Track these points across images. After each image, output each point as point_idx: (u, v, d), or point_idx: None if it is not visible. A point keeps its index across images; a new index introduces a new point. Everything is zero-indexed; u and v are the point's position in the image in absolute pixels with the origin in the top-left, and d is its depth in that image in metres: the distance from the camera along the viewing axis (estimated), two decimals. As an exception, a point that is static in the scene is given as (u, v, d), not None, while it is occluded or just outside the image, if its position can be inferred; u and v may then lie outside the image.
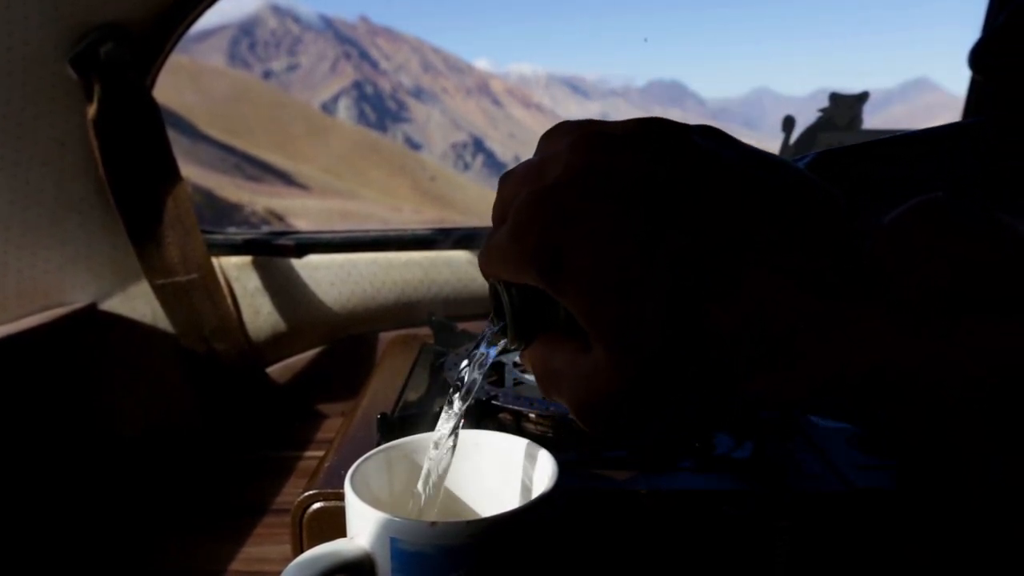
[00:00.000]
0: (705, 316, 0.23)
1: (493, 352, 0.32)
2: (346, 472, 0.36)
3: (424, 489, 0.37)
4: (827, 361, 0.22)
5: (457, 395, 0.34)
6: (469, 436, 0.42)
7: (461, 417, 0.35)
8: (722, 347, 0.23)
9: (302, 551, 0.36)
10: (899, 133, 0.32)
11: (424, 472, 0.37)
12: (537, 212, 0.25)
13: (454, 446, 0.35)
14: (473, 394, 0.34)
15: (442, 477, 0.36)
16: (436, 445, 0.36)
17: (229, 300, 0.80)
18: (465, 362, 0.33)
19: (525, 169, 0.27)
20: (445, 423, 0.35)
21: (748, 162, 0.24)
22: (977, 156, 0.31)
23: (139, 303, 0.80)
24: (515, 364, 0.60)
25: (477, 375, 0.33)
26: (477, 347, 0.32)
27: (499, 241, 0.27)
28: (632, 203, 0.23)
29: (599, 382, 0.25)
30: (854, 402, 0.22)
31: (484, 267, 0.28)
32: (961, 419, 0.21)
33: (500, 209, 0.27)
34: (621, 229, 0.23)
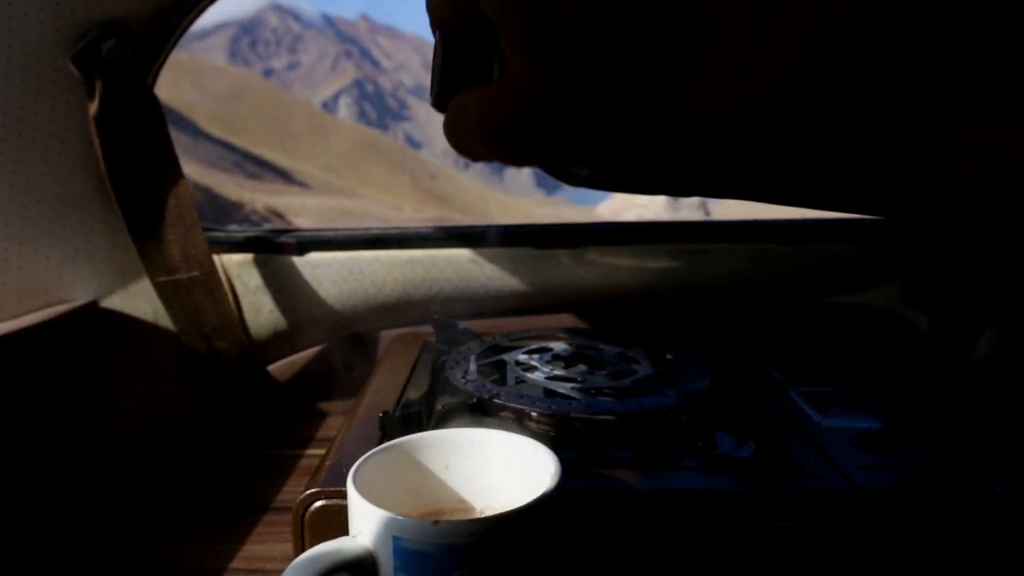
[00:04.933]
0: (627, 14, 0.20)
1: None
2: (348, 470, 0.36)
3: None
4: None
5: None
6: (471, 434, 0.42)
7: None
8: (649, 50, 0.20)
9: (304, 550, 0.36)
10: None
11: None
12: None
13: None
14: None
15: None
16: None
17: (230, 298, 0.80)
18: None
19: None
20: None
21: None
22: None
23: (140, 300, 0.80)
24: (517, 363, 0.60)
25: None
26: None
27: None
28: None
29: (508, 94, 0.22)
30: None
31: (428, 11, 0.25)
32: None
33: None
34: None
